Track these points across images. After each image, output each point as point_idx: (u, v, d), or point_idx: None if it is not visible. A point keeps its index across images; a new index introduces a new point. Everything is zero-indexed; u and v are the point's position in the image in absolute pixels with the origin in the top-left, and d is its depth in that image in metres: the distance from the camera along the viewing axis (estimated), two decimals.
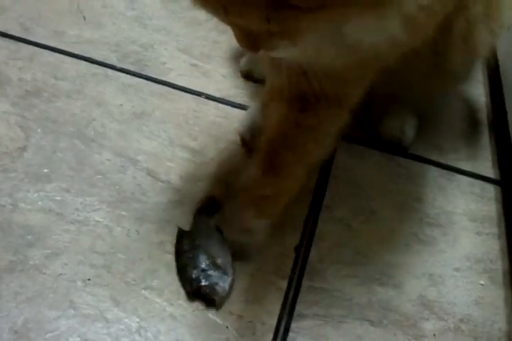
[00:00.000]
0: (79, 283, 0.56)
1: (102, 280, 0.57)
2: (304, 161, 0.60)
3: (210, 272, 0.56)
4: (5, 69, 0.80)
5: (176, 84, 0.83)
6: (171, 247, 0.60)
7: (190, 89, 0.82)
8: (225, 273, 0.57)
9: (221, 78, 0.85)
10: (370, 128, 0.78)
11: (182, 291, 0.58)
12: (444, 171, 0.77)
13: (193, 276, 0.56)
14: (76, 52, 0.85)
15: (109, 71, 0.83)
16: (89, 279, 0.57)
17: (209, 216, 0.62)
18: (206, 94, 0.81)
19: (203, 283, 0.56)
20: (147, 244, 0.61)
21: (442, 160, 0.79)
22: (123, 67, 0.84)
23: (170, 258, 0.60)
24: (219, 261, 0.57)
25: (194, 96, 0.81)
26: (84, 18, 0.92)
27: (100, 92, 0.79)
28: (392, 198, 0.72)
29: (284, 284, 0.60)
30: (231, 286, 0.57)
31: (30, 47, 0.85)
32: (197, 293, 0.56)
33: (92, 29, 0.91)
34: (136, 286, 0.57)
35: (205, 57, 0.89)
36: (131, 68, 0.84)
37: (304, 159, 0.60)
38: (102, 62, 0.84)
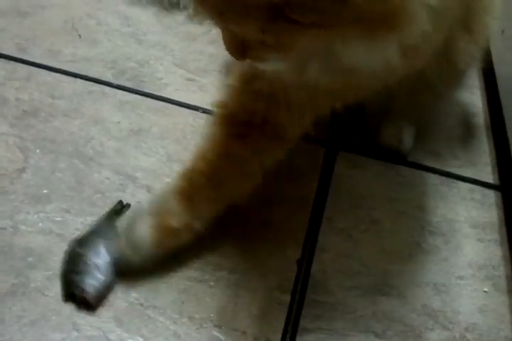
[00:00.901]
0: None
1: (104, 300, 0.57)
2: (223, 199, 0.59)
3: (83, 273, 0.56)
4: (1, 90, 0.80)
5: (172, 99, 0.83)
6: (172, 265, 0.60)
7: (187, 104, 0.83)
8: (101, 273, 0.56)
9: (217, 92, 0.85)
10: (368, 137, 0.78)
11: (185, 309, 0.58)
12: (444, 178, 0.77)
13: (69, 279, 0.56)
14: (72, 70, 0.86)
15: (106, 88, 0.83)
16: None
17: (112, 220, 0.62)
18: (203, 109, 0.82)
19: (74, 284, 0.56)
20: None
21: (441, 167, 0.79)
22: (119, 83, 0.84)
23: (171, 275, 0.60)
24: (94, 261, 0.57)
25: (191, 110, 0.82)
26: (80, 36, 0.93)
27: (97, 110, 0.79)
28: (393, 207, 0.72)
29: (287, 298, 0.60)
30: (107, 287, 0.56)
31: (26, 66, 0.85)
32: (70, 295, 0.56)
33: (88, 47, 0.91)
34: (139, 306, 0.57)
35: (201, 71, 0.89)
36: (128, 84, 0.84)
37: (223, 197, 0.59)
38: (98, 80, 0.85)
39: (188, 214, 0.57)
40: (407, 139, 0.78)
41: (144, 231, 0.57)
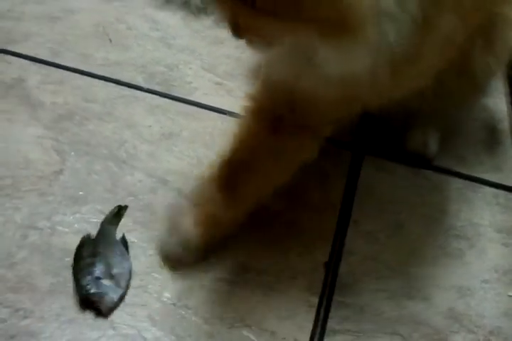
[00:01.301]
0: None
1: (139, 300, 0.59)
2: (262, 186, 0.60)
3: (103, 281, 0.58)
4: (37, 94, 0.83)
5: (201, 103, 0.85)
6: (204, 266, 0.62)
7: (215, 108, 0.85)
8: (117, 284, 0.58)
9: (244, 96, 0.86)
10: (394, 142, 0.79)
11: (216, 309, 0.59)
12: (469, 183, 0.78)
13: (85, 283, 0.58)
14: (104, 74, 0.88)
15: (137, 92, 0.86)
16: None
17: (114, 225, 0.64)
18: (231, 112, 0.84)
19: (92, 290, 0.57)
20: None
21: (467, 172, 0.80)
22: (150, 88, 0.86)
23: (202, 276, 0.62)
24: (114, 271, 0.59)
25: (219, 114, 0.84)
26: (110, 41, 0.95)
27: (130, 114, 0.81)
28: (418, 211, 0.73)
29: (316, 300, 0.62)
30: (121, 298, 0.58)
31: (60, 71, 0.88)
32: (86, 299, 0.57)
33: (119, 51, 0.93)
34: (172, 305, 0.59)
35: (228, 75, 0.91)
36: (158, 89, 0.87)
37: (262, 184, 0.60)
38: (130, 84, 0.87)
39: (230, 202, 0.59)
40: (433, 144, 0.79)
41: (190, 225, 0.60)
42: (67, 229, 0.65)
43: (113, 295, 0.57)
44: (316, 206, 0.72)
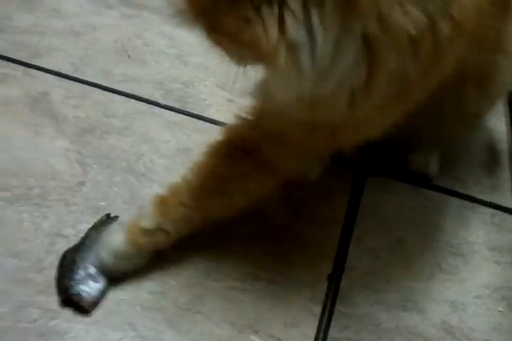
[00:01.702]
0: (138, 308, 0.63)
1: (157, 305, 0.64)
2: (197, 209, 0.64)
3: (82, 282, 0.63)
4: (61, 108, 0.88)
5: (215, 120, 0.90)
6: (216, 275, 0.68)
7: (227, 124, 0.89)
8: (95, 280, 0.63)
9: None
10: (396, 161, 0.84)
11: (228, 315, 0.65)
12: (467, 202, 0.83)
13: (65, 286, 0.63)
14: (123, 90, 0.93)
15: (155, 108, 0.91)
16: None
17: (98, 231, 0.69)
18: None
19: (72, 291, 0.62)
20: (194, 270, 0.69)
21: (465, 192, 0.85)
22: (167, 104, 0.92)
23: (215, 285, 0.67)
24: (91, 271, 0.64)
25: None
26: (129, 57, 1.00)
27: (147, 129, 0.86)
28: (418, 228, 0.78)
29: (319, 309, 0.67)
30: (101, 293, 0.63)
31: (82, 85, 0.93)
32: (68, 300, 0.62)
33: (137, 67, 0.99)
34: (187, 310, 0.64)
35: (241, 92, 0.96)
36: (175, 105, 0.92)
37: (197, 208, 0.64)
38: (148, 100, 0.92)
39: (158, 217, 0.64)
40: (434, 165, 0.84)
41: (118, 235, 0.65)
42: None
43: (91, 291, 0.63)
44: (320, 221, 0.77)
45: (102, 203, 0.74)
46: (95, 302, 0.63)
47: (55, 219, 0.71)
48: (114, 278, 0.65)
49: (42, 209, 0.72)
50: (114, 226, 0.68)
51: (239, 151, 0.62)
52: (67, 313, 0.62)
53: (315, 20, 0.43)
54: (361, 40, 0.45)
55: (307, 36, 0.43)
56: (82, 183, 0.76)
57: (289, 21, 0.43)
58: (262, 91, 0.57)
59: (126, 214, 0.73)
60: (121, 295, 0.64)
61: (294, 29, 0.43)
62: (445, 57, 0.51)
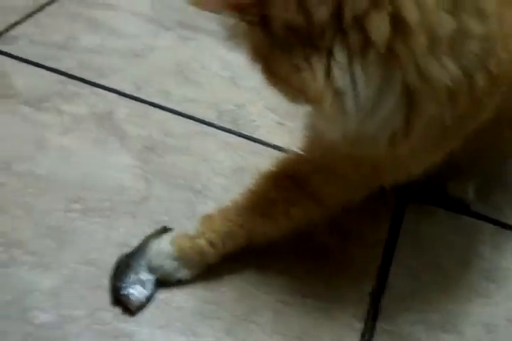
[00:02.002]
0: (199, 316, 0.70)
1: (216, 314, 0.71)
2: (241, 225, 0.70)
3: (131, 285, 0.70)
4: (125, 126, 0.96)
5: (265, 142, 0.97)
6: (268, 289, 0.74)
7: (277, 146, 0.96)
8: (144, 287, 0.70)
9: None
10: (435, 188, 0.90)
11: (279, 327, 0.71)
12: (501, 229, 0.88)
13: (117, 285, 0.70)
14: (181, 110, 1.01)
15: (210, 129, 0.98)
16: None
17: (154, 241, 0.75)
18: (291, 151, 0.95)
19: (122, 292, 0.69)
20: (247, 283, 0.75)
21: (500, 219, 0.90)
22: (221, 125, 0.99)
23: (268, 298, 0.74)
24: (142, 277, 0.71)
25: (281, 152, 0.95)
26: (186, 78, 1.08)
27: (204, 148, 0.94)
28: (455, 253, 0.83)
29: (361, 326, 0.72)
30: (147, 299, 0.70)
31: (143, 105, 1.01)
32: (117, 299, 0.69)
33: (193, 88, 1.06)
34: (243, 320, 0.71)
35: (289, 115, 1.03)
36: (228, 126, 0.99)
37: (242, 223, 0.70)
38: (203, 120, 0.99)
39: (203, 226, 0.71)
40: (471, 191, 0.89)
41: (166, 239, 0.73)
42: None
43: (139, 296, 0.69)
44: (363, 242, 0.82)
45: (165, 218, 0.81)
46: (141, 306, 0.70)
47: (124, 230, 0.78)
48: (167, 283, 0.72)
49: (111, 221, 0.80)
50: (165, 235, 0.75)
51: (289, 179, 0.69)
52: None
53: (358, 69, 0.49)
54: (401, 88, 0.50)
55: (351, 83, 0.49)
56: (146, 198, 0.84)
57: (336, 70, 0.49)
58: (312, 127, 0.63)
59: (185, 229, 0.80)
60: (183, 303, 0.71)
61: (340, 77, 0.49)
62: (482, 107, 0.56)
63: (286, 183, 0.70)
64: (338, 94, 0.50)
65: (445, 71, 0.49)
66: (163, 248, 0.72)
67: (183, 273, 0.72)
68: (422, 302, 0.75)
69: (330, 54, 0.48)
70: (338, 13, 0.47)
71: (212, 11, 0.54)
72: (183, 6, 1.26)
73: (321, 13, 0.47)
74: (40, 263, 0.74)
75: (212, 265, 0.73)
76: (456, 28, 0.47)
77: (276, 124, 1.01)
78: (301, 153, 0.71)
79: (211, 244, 0.70)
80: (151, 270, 0.72)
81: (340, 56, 0.48)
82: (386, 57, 0.48)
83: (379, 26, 0.46)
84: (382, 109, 0.52)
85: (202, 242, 0.70)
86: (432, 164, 0.64)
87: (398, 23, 0.46)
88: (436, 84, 0.49)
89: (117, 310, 0.70)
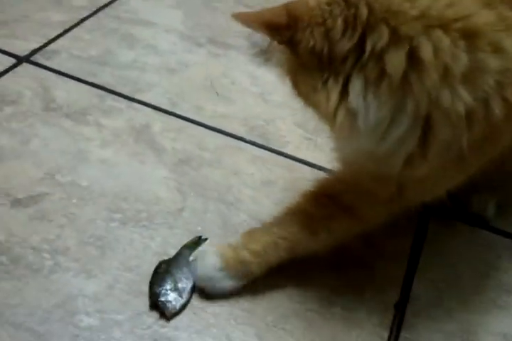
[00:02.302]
0: (232, 322, 0.75)
1: (248, 320, 0.75)
2: (280, 242, 0.74)
3: (169, 292, 0.75)
4: (161, 140, 1.02)
5: (293, 156, 1.02)
6: (298, 298, 0.79)
7: (306, 161, 1.01)
8: (180, 295, 0.75)
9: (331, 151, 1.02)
10: (457, 204, 0.94)
11: (307, 334, 0.76)
12: None
13: (156, 291, 0.74)
14: (213, 125, 1.06)
15: (241, 143, 1.03)
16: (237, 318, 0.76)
17: (190, 250, 0.81)
18: (319, 166, 1.00)
19: (160, 298, 0.74)
20: (278, 293, 0.80)
21: None
22: (251, 139, 1.04)
23: (297, 306, 0.78)
24: (179, 285, 0.75)
25: (309, 167, 1.00)
26: (217, 94, 1.14)
27: (235, 162, 0.99)
28: (474, 265, 0.87)
29: (386, 334, 0.77)
30: (183, 306, 0.74)
31: (178, 119, 1.07)
32: (154, 305, 0.74)
33: (224, 104, 1.12)
34: (273, 327, 0.76)
35: (317, 131, 1.07)
36: (258, 140, 1.04)
37: (280, 240, 0.74)
38: (234, 135, 1.04)
39: (246, 238, 0.76)
40: (491, 208, 0.93)
41: (210, 255, 0.77)
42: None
43: (175, 303, 0.74)
44: (389, 254, 0.87)
45: (199, 228, 0.87)
46: (176, 313, 0.74)
47: (161, 240, 0.84)
48: (213, 295, 0.76)
49: (149, 230, 0.85)
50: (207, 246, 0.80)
51: (326, 198, 0.74)
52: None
53: (371, 95, 0.54)
54: (414, 113, 0.55)
55: (364, 106, 0.55)
56: (181, 209, 0.89)
57: (351, 95, 0.55)
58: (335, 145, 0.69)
59: (218, 239, 0.85)
60: (218, 310, 0.76)
61: (354, 100, 0.55)
62: (500, 133, 0.61)
63: (324, 201, 0.74)
64: (350, 114, 0.56)
65: (459, 100, 0.54)
66: (208, 259, 0.76)
67: (228, 284, 0.76)
68: (442, 312, 0.79)
69: (347, 79, 0.54)
70: (360, 46, 0.53)
71: (248, 27, 0.60)
72: (213, 23, 1.32)
73: (344, 44, 0.53)
74: (83, 270, 0.80)
75: (257, 277, 0.77)
76: (471, 65, 0.52)
77: (304, 140, 1.06)
78: (335, 173, 0.76)
79: (254, 254, 0.74)
80: (198, 281, 0.76)
81: (356, 83, 0.54)
82: (399, 86, 0.53)
83: (396, 61, 0.52)
84: (395, 131, 0.57)
85: (245, 253, 0.74)
86: (455, 186, 0.68)
87: (413, 60, 0.52)
88: (449, 112, 0.54)
89: (157, 315, 0.74)
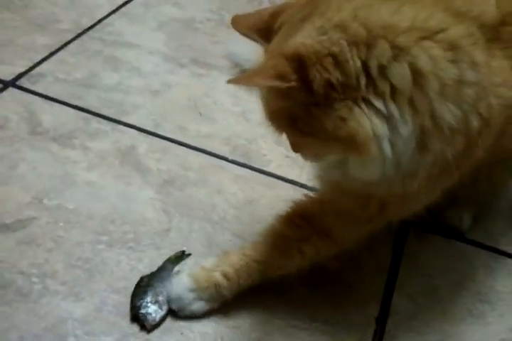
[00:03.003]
0: (219, 340, 0.78)
1: (235, 338, 0.78)
2: (254, 260, 0.77)
3: (149, 304, 0.78)
4: (146, 161, 1.04)
5: (275, 174, 1.05)
6: (281, 314, 0.82)
7: (287, 179, 1.04)
8: (160, 307, 0.78)
9: (311, 169, 1.06)
10: (433, 217, 0.97)
11: None
12: (494, 254, 0.96)
13: (136, 304, 0.77)
14: (197, 145, 1.09)
15: (223, 162, 1.06)
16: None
17: (173, 265, 0.84)
18: (300, 183, 1.03)
19: (141, 310, 0.77)
20: (263, 310, 0.83)
21: (493, 244, 0.97)
22: (234, 158, 1.07)
23: (281, 322, 0.81)
24: (160, 298, 0.79)
25: (291, 184, 1.03)
26: (200, 114, 1.17)
27: (218, 181, 1.02)
28: (451, 277, 0.91)
29: None
30: (163, 318, 0.77)
31: (162, 140, 1.09)
32: (135, 317, 0.76)
33: (207, 124, 1.15)
34: None
35: None
36: (240, 159, 1.07)
37: (255, 259, 0.77)
38: (217, 155, 1.07)
39: (220, 261, 0.79)
40: (466, 220, 0.96)
41: (184, 275, 0.80)
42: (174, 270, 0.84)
43: (155, 316, 0.77)
44: (367, 268, 0.90)
45: (185, 248, 0.89)
46: (156, 325, 0.77)
47: (148, 261, 0.86)
48: (182, 315, 0.79)
49: (136, 252, 0.88)
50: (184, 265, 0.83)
51: (302, 219, 0.77)
52: None
53: (395, 114, 0.56)
54: (418, 131, 0.58)
55: (390, 129, 0.57)
56: (168, 229, 0.92)
57: (375, 117, 0.56)
58: (330, 173, 0.71)
59: (205, 257, 0.88)
60: (205, 329, 0.79)
61: (379, 123, 0.56)
62: (475, 146, 0.63)
63: (300, 222, 0.77)
64: (379, 138, 0.57)
65: (450, 112, 0.57)
66: (181, 279, 0.79)
67: (198, 305, 0.78)
68: (422, 324, 0.83)
69: (368, 103, 0.56)
70: (365, 65, 0.55)
71: (254, 86, 0.62)
72: (195, 44, 1.36)
73: (354, 64, 0.55)
74: (71, 293, 0.82)
75: (228, 299, 0.79)
76: (457, 75, 0.55)
77: (285, 158, 1.09)
78: (310, 195, 0.79)
79: (226, 276, 0.77)
80: (170, 301, 0.79)
81: (377, 103, 0.56)
82: (411, 102, 0.56)
83: (402, 74, 0.54)
84: (408, 150, 0.59)
85: (217, 275, 0.77)
86: (433, 200, 0.71)
87: (415, 72, 0.54)
88: (443, 125, 0.57)
89: (147, 337, 0.77)
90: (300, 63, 0.54)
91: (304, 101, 0.56)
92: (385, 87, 0.55)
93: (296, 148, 0.65)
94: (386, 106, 0.56)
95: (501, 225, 1.00)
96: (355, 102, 0.56)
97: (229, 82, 0.56)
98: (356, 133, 0.56)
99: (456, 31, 0.55)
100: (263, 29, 0.63)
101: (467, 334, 0.83)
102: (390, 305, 0.85)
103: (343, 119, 0.56)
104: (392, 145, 0.57)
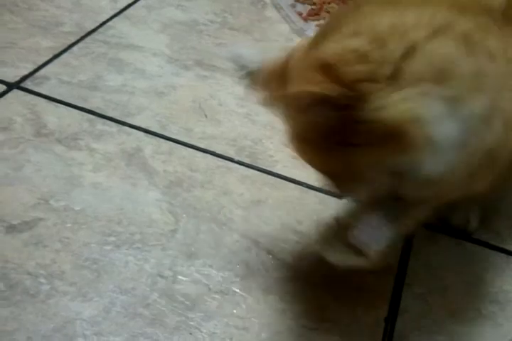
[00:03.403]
0: (227, 340, 0.77)
1: (244, 339, 0.78)
2: None
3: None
4: (152, 162, 1.04)
5: (282, 175, 1.05)
6: (291, 315, 0.81)
7: (293, 179, 1.04)
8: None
9: None
10: (441, 217, 0.97)
11: None
12: (502, 254, 0.95)
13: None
14: (203, 146, 1.09)
15: (230, 163, 1.06)
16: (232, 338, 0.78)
17: None
18: (307, 184, 1.03)
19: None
20: (272, 310, 0.82)
21: (500, 244, 0.97)
22: (240, 159, 1.07)
23: (291, 322, 0.81)
24: None
25: (297, 185, 1.03)
26: (206, 116, 1.17)
27: (225, 183, 1.01)
28: (459, 277, 0.90)
29: None
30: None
31: (168, 142, 1.09)
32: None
33: (213, 125, 1.14)
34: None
35: None
36: (246, 161, 1.07)
37: None
38: (223, 156, 1.07)
39: None
40: (474, 220, 0.96)
41: None
42: (185, 278, 0.84)
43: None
44: (376, 270, 0.89)
45: (193, 249, 0.89)
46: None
47: (155, 261, 0.86)
48: None
49: (143, 252, 0.87)
50: None
51: None
52: None
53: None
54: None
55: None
56: (174, 231, 0.91)
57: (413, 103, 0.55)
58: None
59: (213, 259, 0.88)
60: (213, 329, 0.78)
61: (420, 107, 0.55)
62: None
63: None
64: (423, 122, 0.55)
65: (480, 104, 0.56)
66: None
67: None
68: (431, 324, 0.82)
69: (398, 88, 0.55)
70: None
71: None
72: (199, 46, 1.36)
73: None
74: (80, 293, 0.81)
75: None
76: (476, 67, 0.55)
77: (291, 158, 1.08)
78: None
79: None
80: None
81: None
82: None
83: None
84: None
85: None
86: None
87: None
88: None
89: (155, 337, 0.76)
90: (329, 69, 0.54)
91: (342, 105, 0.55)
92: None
93: (343, 191, 0.65)
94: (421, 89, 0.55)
95: (508, 224, 1.00)
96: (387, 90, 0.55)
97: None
98: (399, 121, 0.55)
99: (465, 24, 0.56)
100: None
101: (477, 335, 0.83)
102: (399, 305, 0.84)
103: (382, 109, 0.54)
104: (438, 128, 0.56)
